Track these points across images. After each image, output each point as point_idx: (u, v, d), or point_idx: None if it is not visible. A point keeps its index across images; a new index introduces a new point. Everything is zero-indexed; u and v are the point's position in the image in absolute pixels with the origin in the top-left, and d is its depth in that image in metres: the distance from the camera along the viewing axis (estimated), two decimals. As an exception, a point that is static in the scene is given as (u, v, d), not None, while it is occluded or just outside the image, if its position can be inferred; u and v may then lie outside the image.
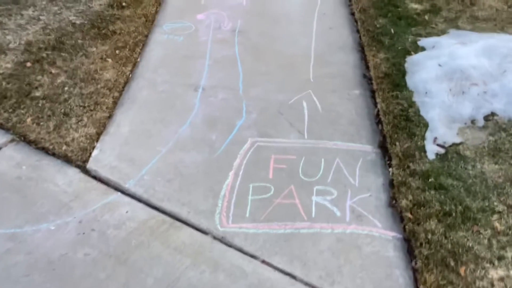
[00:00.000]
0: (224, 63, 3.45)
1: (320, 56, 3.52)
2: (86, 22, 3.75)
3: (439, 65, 3.00)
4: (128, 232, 2.23)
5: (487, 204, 2.28)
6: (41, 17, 3.78)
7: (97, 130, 2.78)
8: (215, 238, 2.23)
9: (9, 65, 3.23)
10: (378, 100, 2.98)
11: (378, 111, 2.90)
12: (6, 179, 2.47)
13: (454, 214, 2.22)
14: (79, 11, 3.90)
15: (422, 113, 2.77)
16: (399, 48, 3.34)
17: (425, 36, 3.43)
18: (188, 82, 3.24)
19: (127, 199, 2.41)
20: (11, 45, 3.43)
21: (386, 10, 3.79)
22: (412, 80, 3.00)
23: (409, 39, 3.41)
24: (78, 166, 2.57)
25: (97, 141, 2.73)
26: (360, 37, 3.66)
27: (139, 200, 2.41)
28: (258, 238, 2.23)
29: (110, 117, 2.90)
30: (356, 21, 3.84)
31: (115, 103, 3.01)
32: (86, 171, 2.55)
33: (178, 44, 3.66)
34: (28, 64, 3.24)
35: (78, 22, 3.75)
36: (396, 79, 3.07)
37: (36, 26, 3.66)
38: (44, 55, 3.34)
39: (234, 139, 2.79)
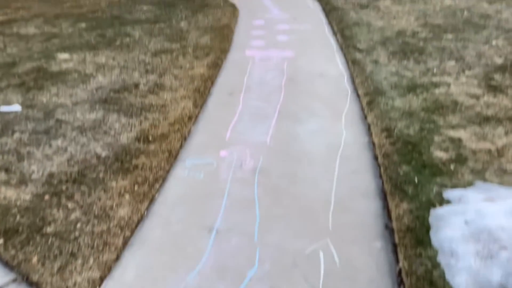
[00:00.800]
0: (241, 205, 3.38)
1: (340, 202, 3.41)
2: (111, 155, 3.82)
3: (466, 222, 2.84)
4: None
5: None
6: (68, 148, 3.88)
7: (102, 273, 2.67)
8: None
9: (27, 197, 3.24)
10: (400, 256, 2.79)
11: (400, 270, 2.70)
12: (-3, 326, 2.34)
13: None
14: (106, 143, 4.00)
15: (448, 276, 2.56)
16: (423, 199, 3.21)
17: (451, 188, 3.31)
18: (202, 223, 3.16)
19: None
20: (33, 176, 3.48)
21: (410, 157, 3.73)
22: (436, 237, 2.83)
23: (434, 190, 3.30)
24: (75, 315, 2.43)
25: (99, 286, 2.60)
26: (382, 183, 3.56)
27: None
28: None
29: (117, 259, 2.80)
30: (379, 166, 3.77)
31: (125, 243, 2.93)
32: (82, 322, 2.40)
33: (198, 181, 3.64)
34: (46, 197, 3.25)
35: (103, 154, 3.83)
36: (419, 235, 2.90)
37: (61, 157, 3.75)
38: (64, 188, 3.36)
39: (243, 293, 2.62)
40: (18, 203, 3.17)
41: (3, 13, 8.29)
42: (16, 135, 4.03)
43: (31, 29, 7.28)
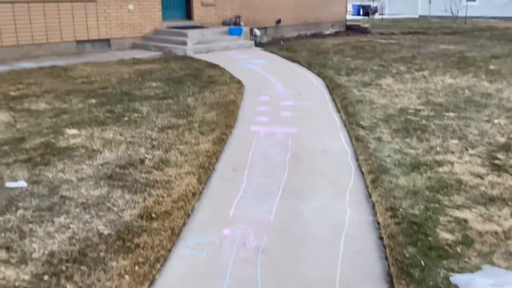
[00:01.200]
0: (244, 286, 3.30)
1: (345, 284, 3.33)
2: (113, 233, 3.80)
3: (475, 310, 2.75)
4: None
5: None
6: (71, 225, 3.87)
7: None
8: None
9: (26, 277, 3.19)
10: None
11: None
12: None
13: None
14: (109, 220, 3.99)
15: None
16: (430, 284, 3.13)
17: (458, 271, 3.23)
18: (203, 307, 3.08)
19: None
20: (34, 255, 3.45)
21: (415, 238, 3.67)
22: (445, 325, 2.73)
23: (441, 274, 3.22)
24: None
25: None
26: (388, 265, 3.49)
27: None
28: None
29: None
30: (384, 247, 3.71)
31: (123, 328, 2.84)
32: None
33: (200, 260, 3.58)
34: (46, 277, 3.20)
35: (105, 232, 3.80)
36: (427, 323, 2.80)
37: (63, 235, 3.72)
38: (64, 267, 3.31)
39: None
40: (17, 283, 3.11)
41: (16, 89, 8.55)
42: (20, 211, 4.03)
43: (42, 105, 7.49)
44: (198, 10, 16.24)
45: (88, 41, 13.68)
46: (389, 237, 3.77)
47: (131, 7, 14.29)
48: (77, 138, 5.93)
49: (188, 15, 16.28)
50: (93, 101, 7.79)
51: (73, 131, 6.20)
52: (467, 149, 5.49)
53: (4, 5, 11.87)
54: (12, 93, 8.20)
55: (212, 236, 3.91)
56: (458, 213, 4.02)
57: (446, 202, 4.21)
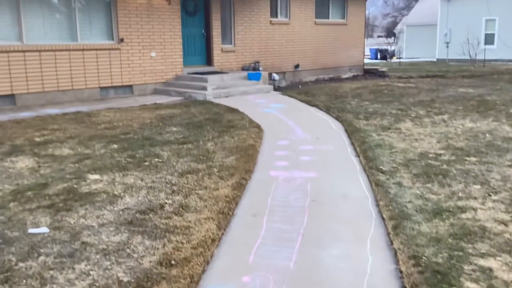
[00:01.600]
0: (263, 337, 3.24)
1: (368, 336, 3.24)
2: (133, 280, 3.79)
3: None
4: None
5: None
6: (91, 272, 3.87)
7: None
8: None
9: (46, 325, 3.19)
10: None
11: None
12: None
13: None
14: (129, 267, 3.98)
15: None
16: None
17: (485, 324, 3.12)
18: None
19: None
20: (54, 302, 3.45)
21: (439, 288, 3.59)
22: None
23: (467, 326, 3.12)
24: None
25: None
26: (412, 316, 3.40)
27: None
28: None
29: None
30: (408, 296, 3.63)
31: None
32: None
33: (219, 310, 3.54)
34: (65, 325, 3.19)
35: (125, 279, 3.79)
36: None
37: (84, 282, 3.73)
38: (83, 316, 3.31)
39: None
40: (36, 332, 3.12)
41: (40, 135, 8.77)
42: (41, 258, 4.07)
43: (65, 150, 7.65)
44: (218, 56, 16.64)
45: (112, 87, 14.05)
46: (413, 287, 3.69)
47: (153, 54, 14.72)
48: (99, 183, 6.02)
49: (209, 61, 16.68)
50: (115, 146, 7.94)
51: (95, 176, 6.30)
52: (490, 195, 5.40)
53: (32, 54, 12.34)
54: (37, 139, 8.41)
55: (231, 284, 3.87)
56: (482, 262, 3.92)
57: (470, 250, 4.12)
